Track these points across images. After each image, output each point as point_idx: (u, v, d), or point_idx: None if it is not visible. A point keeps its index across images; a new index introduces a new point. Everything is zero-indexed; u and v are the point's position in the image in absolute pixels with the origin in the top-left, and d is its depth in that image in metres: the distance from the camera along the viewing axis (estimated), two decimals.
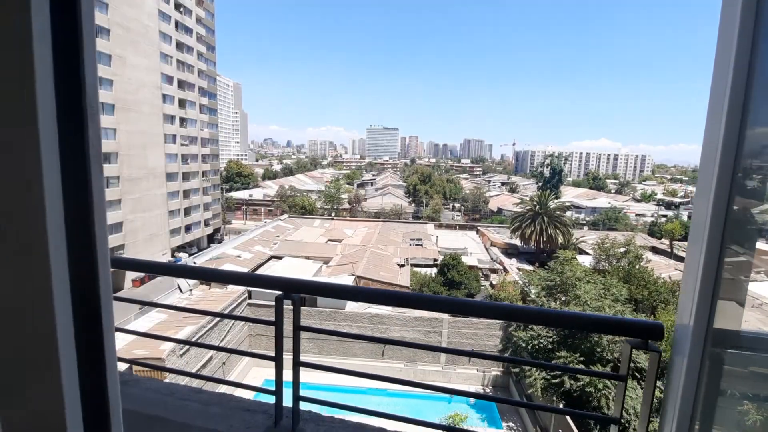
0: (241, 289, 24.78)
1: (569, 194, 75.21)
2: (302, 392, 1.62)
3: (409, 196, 75.16)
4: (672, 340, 1.29)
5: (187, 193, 48.56)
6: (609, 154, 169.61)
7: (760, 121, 1.07)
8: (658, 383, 1.42)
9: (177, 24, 45.93)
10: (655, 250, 37.26)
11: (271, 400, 1.69)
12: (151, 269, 2.13)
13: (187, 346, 18.12)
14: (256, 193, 77.10)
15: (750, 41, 1.01)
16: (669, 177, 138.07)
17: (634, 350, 1.37)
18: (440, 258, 28.94)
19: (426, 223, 48.77)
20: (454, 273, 25.61)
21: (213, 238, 54.49)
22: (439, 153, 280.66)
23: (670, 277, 24.86)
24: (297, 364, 1.63)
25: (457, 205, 75.17)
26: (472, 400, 20.82)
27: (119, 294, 33.59)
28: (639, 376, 14.06)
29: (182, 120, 47.62)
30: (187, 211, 48.69)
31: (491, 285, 27.40)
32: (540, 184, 72.98)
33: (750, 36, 1.01)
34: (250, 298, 24.11)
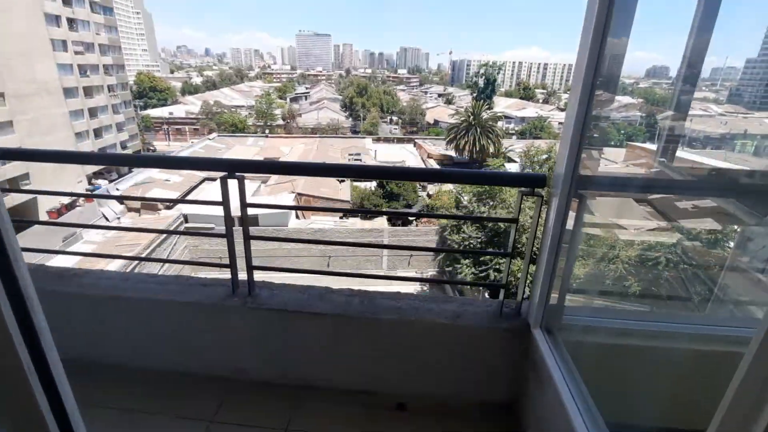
0: (174, 213, 23.77)
1: (501, 105, 77.14)
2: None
3: (345, 109, 72.66)
4: (551, 185, 1.64)
5: (93, 112, 42.79)
6: (539, 63, 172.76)
7: (616, 34, 1.39)
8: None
9: None
10: None
11: (226, 276, 1.98)
12: (49, 157, 2.14)
13: (130, 268, 17.69)
14: (177, 110, 69.83)
15: None
16: None
17: (524, 197, 1.73)
18: None
19: (364, 138, 48.28)
20: (393, 185, 26.49)
21: None
22: (375, 63, 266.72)
23: None
24: (247, 238, 1.89)
25: (394, 118, 74.42)
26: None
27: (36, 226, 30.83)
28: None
29: (71, 21, 39.94)
30: (98, 133, 43.44)
31: (428, 195, 28.86)
32: (474, 94, 73.69)
33: None
34: (186, 221, 23.37)
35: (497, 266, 17.37)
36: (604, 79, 1.47)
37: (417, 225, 25.85)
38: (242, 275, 1.98)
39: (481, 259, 18.07)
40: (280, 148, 40.11)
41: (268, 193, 26.99)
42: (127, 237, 20.83)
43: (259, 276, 2.01)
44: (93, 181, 41.82)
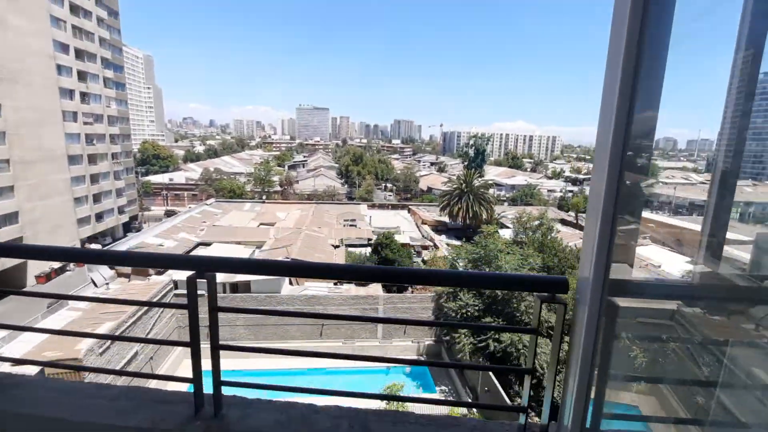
0: (164, 279, 23.13)
1: (491, 173, 79.89)
2: (229, 377, 1.59)
3: (341, 177, 74.69)
4: (575, 292, 1.43)
5: (95, 178, 43.54)
6: (525, 135, 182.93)
7: (644, 106, 1.24)
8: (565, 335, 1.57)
9: None
10: (563, 222, 41.30)
11: (191, 389, 1.66)
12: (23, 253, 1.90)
13: (107, 343, 16.70)
14: (177, 177, 71.42)
15: (637, 33, 1.15)
16: (575, 156, 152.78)
17: (543, 304, 1.49)
18: (374, 237, 29.43)
19: (359, 204, 48.99)
20: (388, 251, 26.24)
21: (130, 227, 49.83)
22: (370, 133, 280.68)
23: (576, 246, 27.82)
24: (216, 348, 1.60)
25: (389, 185, 76.32)
26: (408, 369, 21.88)
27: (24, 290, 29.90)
28: (550, 333, 15.69)
29: (84, 95, 42.13)
30: (97, 198, 43.79)
31: (423, 261, 28.54)
32: (465, 163, 76.47)
33: (638, 27, 1.15)
34: (176, 288, 22.65)
35: (496, 335, 16.62)
36: (633, 162, 1.28)
37: (412, 291, 25.21)
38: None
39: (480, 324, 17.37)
40: (277, 213, 40.40)
41: (263, 258, 26.60)
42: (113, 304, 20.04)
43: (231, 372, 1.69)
44: (86, 245, 41.33)
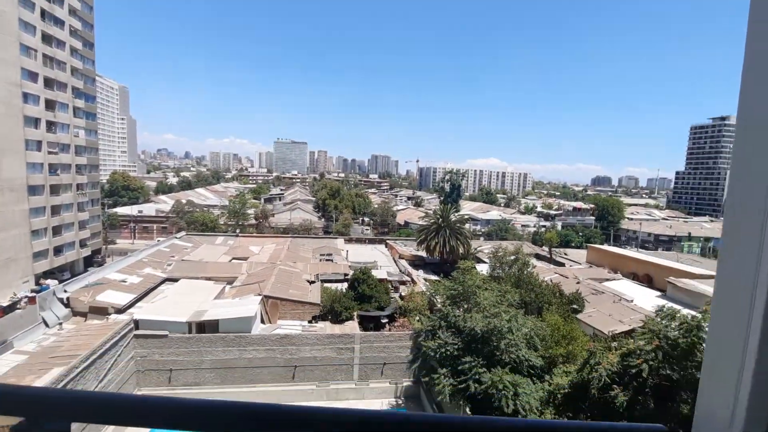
0: (125, 318, 21.64)
1: (467, 208, 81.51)
2: None
3: (318, 210, 74.25)
4: None
5: (56, 209, 41.47)
6: (498, 172, 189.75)
7: None
8: None
9: (44, 13, 39.59)
10: (537, 256, 41.95)
11: None
12: None
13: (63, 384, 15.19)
14: (147, 209, 69.13)
15: None
16: (545, 192, 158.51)
17: None
18: (351, 272, 28.85)
19: (336, 238, 48.45)
20: (365, 287, 25.69)
21: (92, 261, 47.23)
22: (347, 168, 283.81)
23: (551, 280, 28.12)
24: None
25: (366, 219, 76.29)
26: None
27: None
28: None
29: (50, 124, 40.84)
30: (57, 230, 41.52)
31: (401, 297, 28.05)
32: (441, 198, 77.77)
33: None
34: (137, 328, 21.21)
35: (476, 376, 16.16)
36: None
37: (390, 330, 24.53)
38: None
39: (460, 368, 16.86)
40: (250, 247, 39.30)
41: (234, 295, 25.46)
42: (63, 347, 18.46)
43: None
44: (42, 280, 38.66)
